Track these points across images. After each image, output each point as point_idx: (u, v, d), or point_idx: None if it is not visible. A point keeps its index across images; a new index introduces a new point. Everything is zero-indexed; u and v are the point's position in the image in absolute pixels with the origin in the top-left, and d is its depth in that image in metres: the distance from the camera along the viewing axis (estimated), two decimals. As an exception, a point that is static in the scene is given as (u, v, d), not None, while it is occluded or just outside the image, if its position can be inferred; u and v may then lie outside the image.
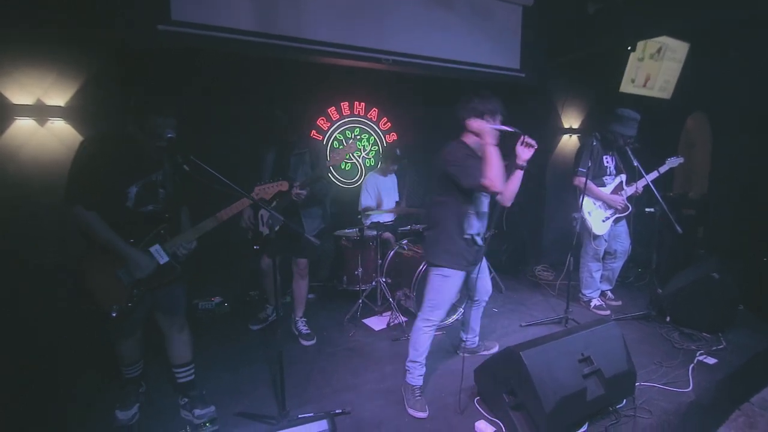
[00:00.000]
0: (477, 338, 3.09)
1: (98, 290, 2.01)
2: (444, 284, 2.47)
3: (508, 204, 2.40)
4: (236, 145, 3.57)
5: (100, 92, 2.91)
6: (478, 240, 2.45)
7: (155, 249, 2.07)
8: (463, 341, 3.04)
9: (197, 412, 2.29)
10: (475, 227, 2.44)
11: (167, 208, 2.16)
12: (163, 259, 2.09)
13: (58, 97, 2.74)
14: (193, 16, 2.99)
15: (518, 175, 2.34)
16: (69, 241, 2.69)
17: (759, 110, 4.28)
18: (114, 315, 2.01)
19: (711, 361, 2.92)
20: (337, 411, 2.34)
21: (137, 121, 2.00)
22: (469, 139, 2.44)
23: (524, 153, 2.29)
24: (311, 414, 2.28)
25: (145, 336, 2.38)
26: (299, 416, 2.26)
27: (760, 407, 2.96)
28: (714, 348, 3.10)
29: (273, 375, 2.78)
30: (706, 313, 3.30)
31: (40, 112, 2.69)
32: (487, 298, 2.91)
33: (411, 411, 2.40)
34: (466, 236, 2.41)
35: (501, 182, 2.20)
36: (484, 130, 2.25)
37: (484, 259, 2.64)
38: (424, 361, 2.54)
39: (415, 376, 2.52)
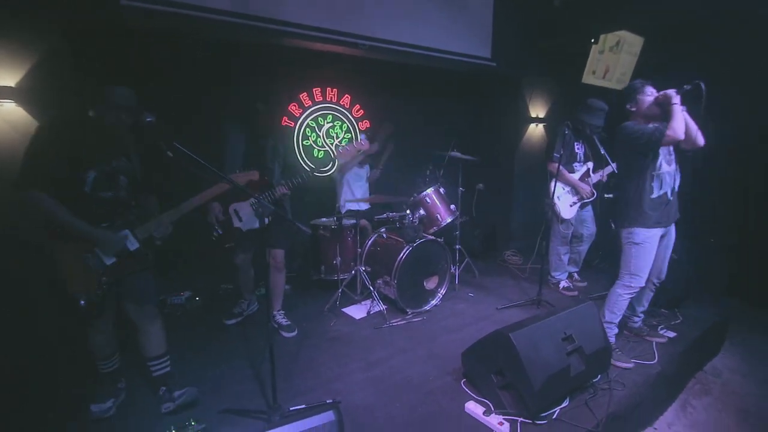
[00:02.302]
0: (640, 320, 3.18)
1: (66, 277, 1.96)
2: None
3: (683, 137, 2.50)
4: (201, 130, 3.38)
5: (54, 72, 2.65)
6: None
7: (125, 233, 2.04)
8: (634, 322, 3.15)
9: (176, 393, 2.25)
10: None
11: (131, 195, 2.12)
12: (134, 245, 2.06)
13: (8, 77, 2.47)
14: (158, -9, 2.79)
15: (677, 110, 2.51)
16: (22, 230, 2.53)
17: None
18: (82, 303, 1.97)
19: (671, 334, 3.16)
20: (327, 401, 2.32)
21: (99, 97, 1.92)
22: (639, 121, 2.68)
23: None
24: (303, 406, 2.25)
25: (118, 332, 2.29)
26: (290, 409, 2.22)
27: (713, 375, 3.25)
28: (673, 322, 3.35)
29: (256, 370, 2.71)
30: (664, 291, 3.55)
31: (-13, 92, 2.43)
32: (656, 281, 2.98)
33: (616, 363, 2.72)
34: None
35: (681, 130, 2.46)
36: (668, 96, 2.51)
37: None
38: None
39: (611, 335, 2.79)
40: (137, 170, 2.13)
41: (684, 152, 2.66)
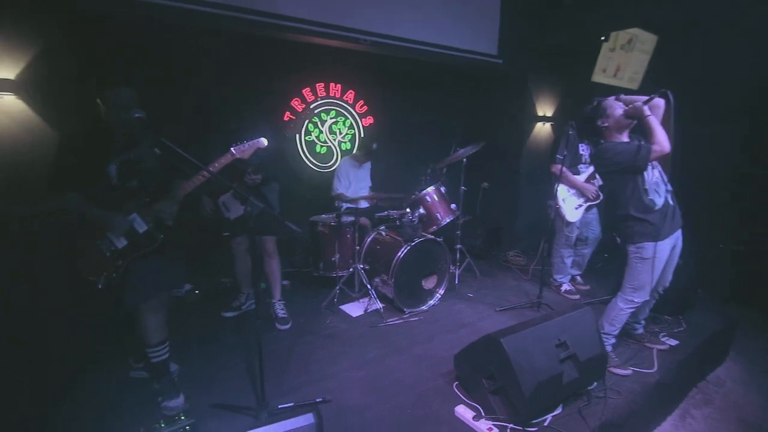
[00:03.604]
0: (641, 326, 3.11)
1: (82, 262, 2.11)
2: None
3: (669, 148, 2.44)
4: (202, 125, 3.39)
5: (54, 65, 2.65)
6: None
7: (133, 217, 2.14)
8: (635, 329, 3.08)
9: (168, 404, 2.26)
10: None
11: (151, 181, 2.23)
12: (142, 227, 2.16)
13: (8, 69, 2.47)
14: (159, -16, 2.78)
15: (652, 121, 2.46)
16: (25, 221, 2.56)
17: (720, 101, 4.48)
18: (100, 286, 2.10)
19: (673, 342, 3.08)
20: (317, 400, 2.31)
21: (100, 98, 2.02)
22: (613, 137, 2.66)
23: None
24: (291, 404, 2.24)
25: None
26: (279, 407, 2.22)
27: (715, 384, 3.18)
28: (675, 330, 3.27)
29: (249, 364, 2.72)
30: (668, 297, 3.46)
31: (-13, 85, 2.44)
32: (661, 290, 2.90)
33: (613, 370, 2.68)
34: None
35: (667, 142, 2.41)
36: (638, 109, 2.48)
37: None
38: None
39: (608, 344, 2.75)
40: (155, 156, 2.20)
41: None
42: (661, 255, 2.58)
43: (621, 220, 2.67)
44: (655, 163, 2.59)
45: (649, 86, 5.63)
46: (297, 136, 4.41)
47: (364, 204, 4.04)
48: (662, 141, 2.39)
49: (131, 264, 2.17)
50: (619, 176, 2.60)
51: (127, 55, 3.16)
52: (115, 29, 3.02)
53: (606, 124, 2.65)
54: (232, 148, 2.36)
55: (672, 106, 2.40)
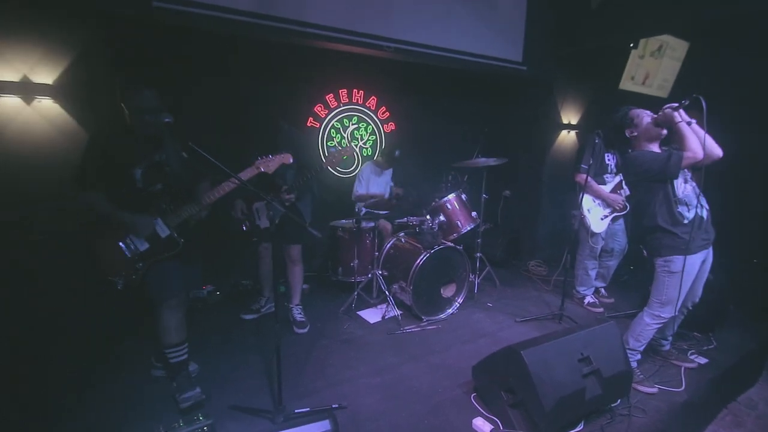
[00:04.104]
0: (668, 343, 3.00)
1: (104, 261, 2.15)
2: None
3: (702, 155, 2.34)
4: (229, 130, 3.47)
5: (90, 70, 2.76)
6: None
7: (156, 221, 2.18)
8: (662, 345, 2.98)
9: (184, 395, 2.29)
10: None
11: (176, 184, 2.26)
12: (164, 232, 2.20)
13: (46, 74, 2.59)
14: (189, -7, 2.86)
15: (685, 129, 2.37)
16: (58, 223, 2.66)
17: (755, 109, 4.31)
18: (119, 287, 2.14)
19: (702, 360, 2.96)
20: (333, 405, 2.31)
21: (123, 101, 2.06)
22: (643, 147, 2.57)
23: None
24: (308, 409, 2.25)
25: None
26: (295, 411, 2.23)
27: (747, 406, 3.02)
28: (705, 348, 3.14)
29: (267, 366, 2.74)
30: (698, 313, 3.33)
31: (27, 89, 2.54)
32: (690, 306, 2.80)
33: (638, 387, 2.59)
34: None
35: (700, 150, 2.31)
36: (667, 116, 2.39)
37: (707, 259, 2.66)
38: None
39: (633, 361, 2.65)
40: (180, 160, 2.24)
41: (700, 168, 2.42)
42: (690, 269, 2.48)
43: (648, 231, 2.58)
44: (689, 176, 2.50)
45: (680, 94, 5.48)
46: (319, 141, 4.45)
47: (383, 211, 4.05)
48: (695, 148, 2.30)
49: (151, 266, 2.21)
50: (648, 185, 2.51)
51: (150, 58, 3.26)
52: (144, 34, 3.12)
53: (635, 134, 2.57)
54: (257, 161, 2.37)
55: (704, 113, 2.29)
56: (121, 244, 2.15)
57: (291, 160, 2.43)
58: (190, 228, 2.30)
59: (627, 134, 2.60)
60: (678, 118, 2.35)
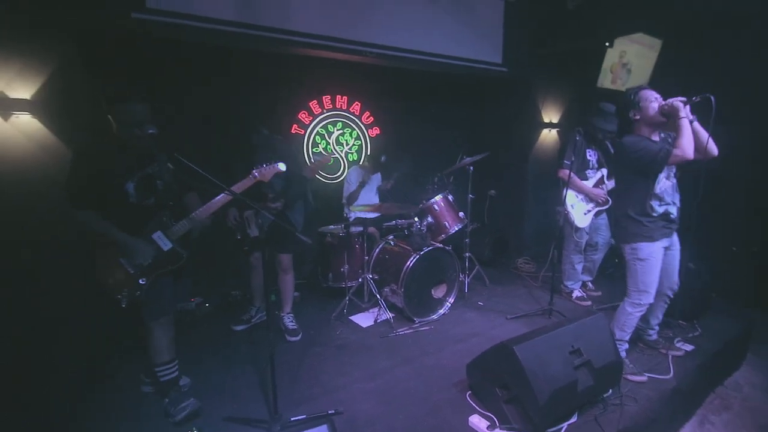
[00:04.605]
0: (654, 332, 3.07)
1: (106, 278, 2.10)
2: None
3: (691, 156, 2.35)
4: (212, 140, 3.46)
5: (69, 84, 2.72)
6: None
7: (157, 236, 2.15)
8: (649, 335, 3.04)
9: (179, 407, 2.25)
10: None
11: (168, 197, 2.23)
12: (167, 245, 2.17)
13: (23, 89, 2.54)
14: (169, 4, 2.87)
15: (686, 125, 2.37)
16: (40, 240, 2.60)
17: (727, 104, 4.45)
18: (124, 305, 2.09)
19: (688, 347, 3.03)
20: (330, 412, 2.30)
21: (111, 114, 2.00)
22: (641, 132, 2.56)
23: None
24: (304, 416, 2.23)
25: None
26: (291, 419, 2.21)
27: (733, 390, 3.12)
28: (690, 335, 3.22)
29: (260, 376, 2.71)
30: (682, 302, 3.41)
31: (4, 105, 2.50)
32: (670, 293, 2.86)
33: (628, 376, 2.63)
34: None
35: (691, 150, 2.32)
36: (674, 108, 2.36)
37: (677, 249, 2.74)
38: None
39: (622, 350, 2.69)
40: (170, 171, 2.22)
41: (694, 162, 2.42)
42: (655, 256, 2.56)
43: (618, 219, 2.67)
44: (672, 173, 2.54)
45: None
46: (304, 147, 4.45)
47: (371, 215, 4.06)
48: (685, 147, 2.31)
49: (154, 281, 2.18)
50: (633, 176, 2.55)
51: (134, 70, 3.23)
52: (125, 46, 3.10)
53: (637, 117, 2.53)
54: (254, 171, 2.40)
55: (713, 113, 2.26)
56: (122, 260, 2.11)
57: (283, 168, 2.45)
58: (192, 240, 2.28)
59: (630, 116, 2.56)
60: (683, 113, 2.33)
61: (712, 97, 2.24)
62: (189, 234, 2.24)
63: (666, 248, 2.64)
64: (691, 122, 2.37)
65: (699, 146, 2.37)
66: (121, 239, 2.07)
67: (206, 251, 3.36)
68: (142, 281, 2.13)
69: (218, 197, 2.26)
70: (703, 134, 2.39)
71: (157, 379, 2.35)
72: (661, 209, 2.52)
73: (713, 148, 2.42)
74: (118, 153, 2.07)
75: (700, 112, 2.40)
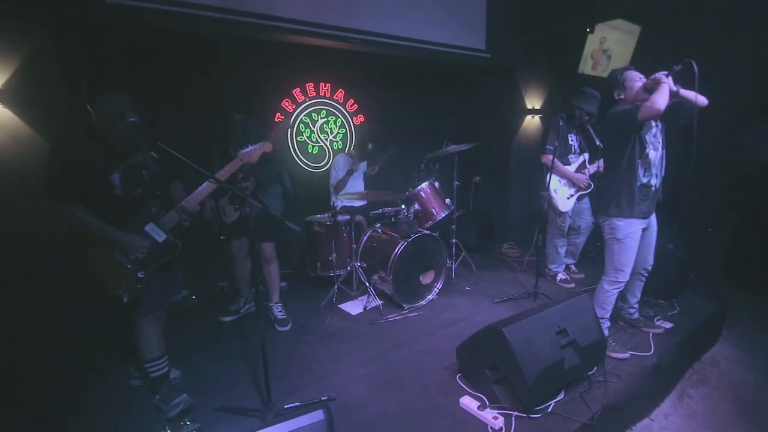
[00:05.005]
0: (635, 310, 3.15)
1: (103, 275, 2.05)
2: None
3: (662, 108, 2.37)
4: (195, 128, 3.37)
5: (41, 73, 2.60)
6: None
7: (150, 228, 2.08)
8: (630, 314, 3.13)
9: (172, 403, 2.23)
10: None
11: (155, 186, 2.18)
12: (161, 236, 2.12)
13: (-7, 77, 2.44)
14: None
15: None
16: (20, 235, 2.52)
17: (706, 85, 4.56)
18: (125, 300, 2.04)
19: (668, 325, 3.14)
20: (323, 398, 2.32)
21: (91, 106, 1.91)
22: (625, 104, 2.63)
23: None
24: (297, 404, 2.25)
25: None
26: (285, 407, 2.22)
27: (710, 365, 3.26)
28: (669, 313, 3.34)
29: (251, 366, 2.71)
30: (661, 282, 3.53)
31: (-28, 94, 2.39)
32: (644, 271, 2.94)
33: (611, 354, 2.70)
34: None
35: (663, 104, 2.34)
36: (656, 80, 2.43)
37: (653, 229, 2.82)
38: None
39: (604, 328, 2.77)
40: (154, 161, 2.16)
41: (689, 115, 2.42)
42: (633, 237, 2.65)
43: (601, 191, 2.76)
44: (660, 145, 2.61)
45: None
46: (288, 136, 4.39)
47: (358, 203, 4.05)
48: (656, 100, 2.34)
49: (152, 274, 2.13)
50: (619, 145, 2.61)
51: (112, 58, 3.13)
52: (101, 33, 2.99)
53: (621, 96, 2.62)
54: (239, 153, 2.35)
55: (696, 77, 2.31)
56: (117, 255, 2.05)
57: (271, 147, 2.40)
58: (184, 230, 2.23)
59: (615, 95, 2.66)
60: (664, 80, 2.39)
61: (693, 62, 2.30)
62: (180, 224, 2.19)
63: (644, 229, 2.73)
64: (676, 92, 2.42)
65: (689, 104, 2.41)
66: (115, 236, 2.00)
67: (190, 243, 3.33)
68: (141, 274, 2.08)
69: (203, 185, 2.21)
70: (690, 93, 2.41)
71: (148, 376, 2.32)
72: (644, 179, 2.59)
73: (700, 99, 2.44)
74: (99, 145, 1.97)
75: (684, 81, 2.44)
